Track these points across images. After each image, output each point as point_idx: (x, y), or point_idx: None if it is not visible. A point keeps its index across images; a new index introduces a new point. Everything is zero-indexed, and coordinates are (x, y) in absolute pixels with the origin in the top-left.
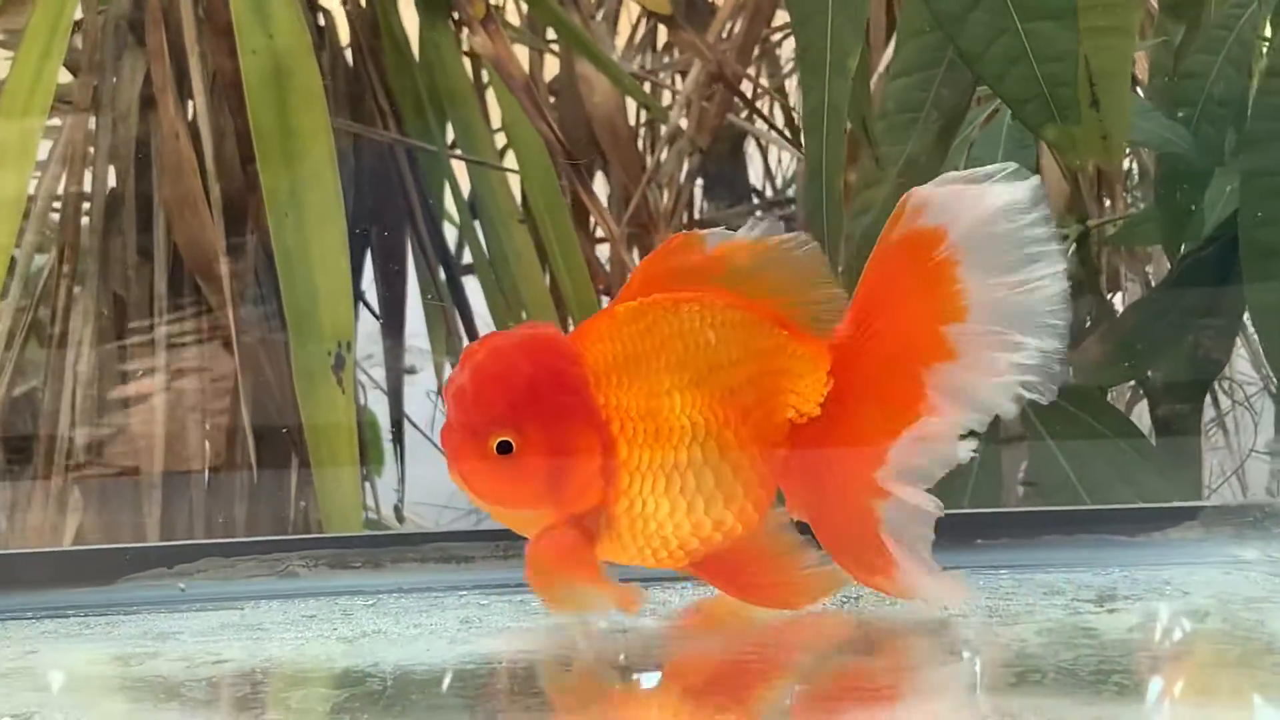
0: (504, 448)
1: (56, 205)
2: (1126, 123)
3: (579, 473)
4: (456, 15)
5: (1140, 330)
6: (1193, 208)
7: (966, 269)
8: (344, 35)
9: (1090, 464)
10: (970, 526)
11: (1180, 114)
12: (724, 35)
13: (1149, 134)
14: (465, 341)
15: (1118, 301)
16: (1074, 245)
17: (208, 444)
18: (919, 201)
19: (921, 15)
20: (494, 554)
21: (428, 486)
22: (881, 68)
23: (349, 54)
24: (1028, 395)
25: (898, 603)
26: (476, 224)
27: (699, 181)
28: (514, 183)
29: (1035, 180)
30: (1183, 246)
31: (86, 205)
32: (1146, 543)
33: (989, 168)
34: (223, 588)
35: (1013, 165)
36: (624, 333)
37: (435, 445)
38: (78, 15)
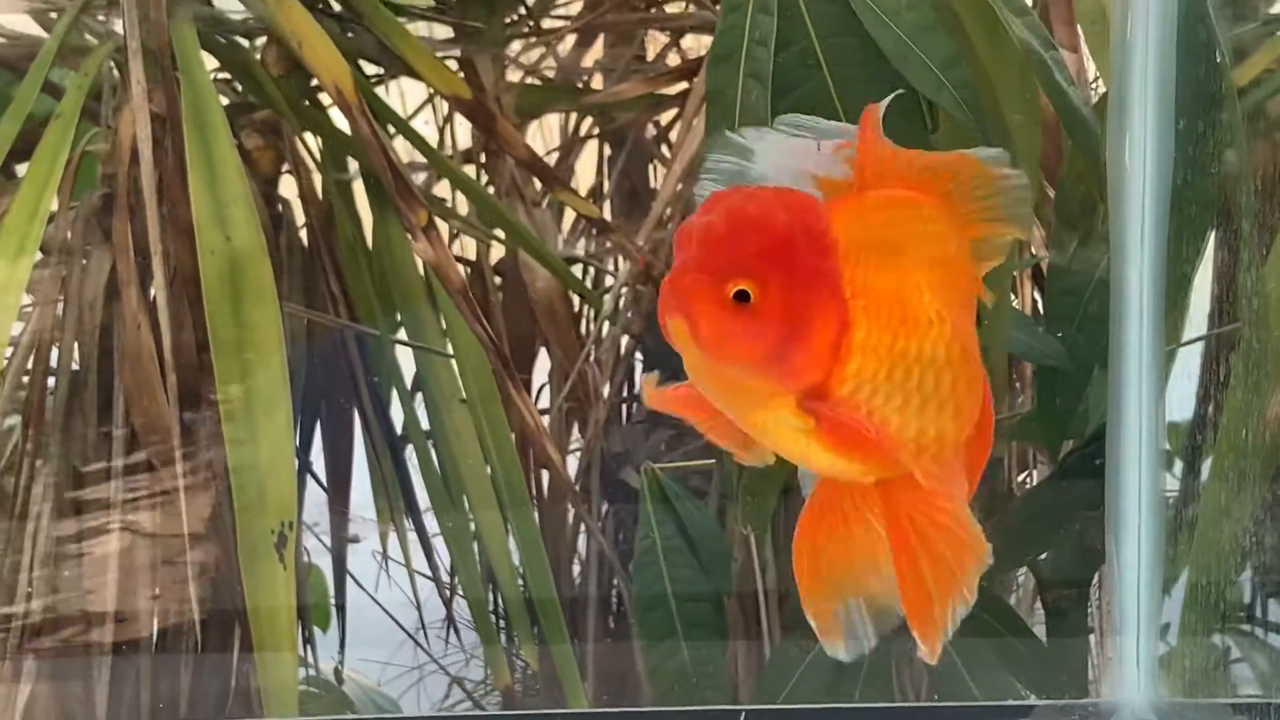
0: (741, 296)
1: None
2: (1005, 339)
3: (813, 342)
4: None
5: (1030, 521)
6: (1074, 410)
7: None
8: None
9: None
10: None
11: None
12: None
13: (1025, 346)
14: (405, 511)
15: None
16: None
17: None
18: None
19: None
20: None
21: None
22: None
23: (305, 238)
24: None
25: None
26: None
27: (639, 356)
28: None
29: None
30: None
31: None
32: None
33: None
34: None
35: None
36: (873, 218)
37: (380, 605)
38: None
